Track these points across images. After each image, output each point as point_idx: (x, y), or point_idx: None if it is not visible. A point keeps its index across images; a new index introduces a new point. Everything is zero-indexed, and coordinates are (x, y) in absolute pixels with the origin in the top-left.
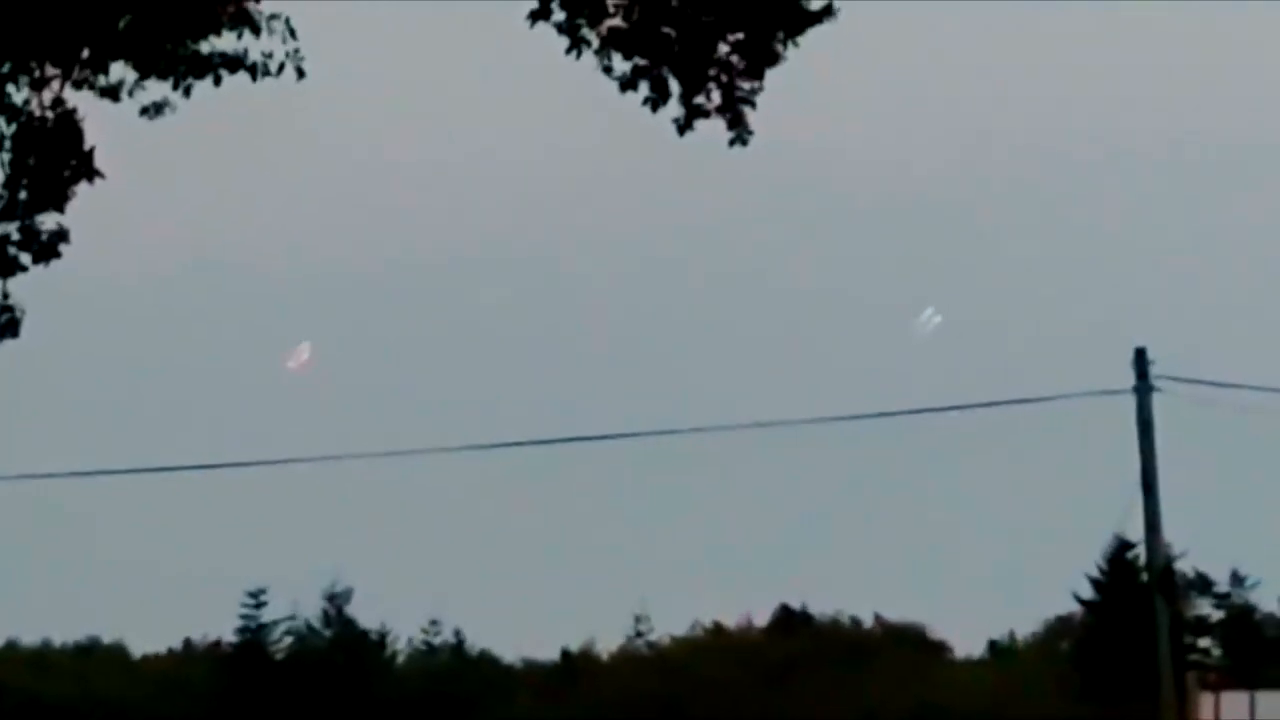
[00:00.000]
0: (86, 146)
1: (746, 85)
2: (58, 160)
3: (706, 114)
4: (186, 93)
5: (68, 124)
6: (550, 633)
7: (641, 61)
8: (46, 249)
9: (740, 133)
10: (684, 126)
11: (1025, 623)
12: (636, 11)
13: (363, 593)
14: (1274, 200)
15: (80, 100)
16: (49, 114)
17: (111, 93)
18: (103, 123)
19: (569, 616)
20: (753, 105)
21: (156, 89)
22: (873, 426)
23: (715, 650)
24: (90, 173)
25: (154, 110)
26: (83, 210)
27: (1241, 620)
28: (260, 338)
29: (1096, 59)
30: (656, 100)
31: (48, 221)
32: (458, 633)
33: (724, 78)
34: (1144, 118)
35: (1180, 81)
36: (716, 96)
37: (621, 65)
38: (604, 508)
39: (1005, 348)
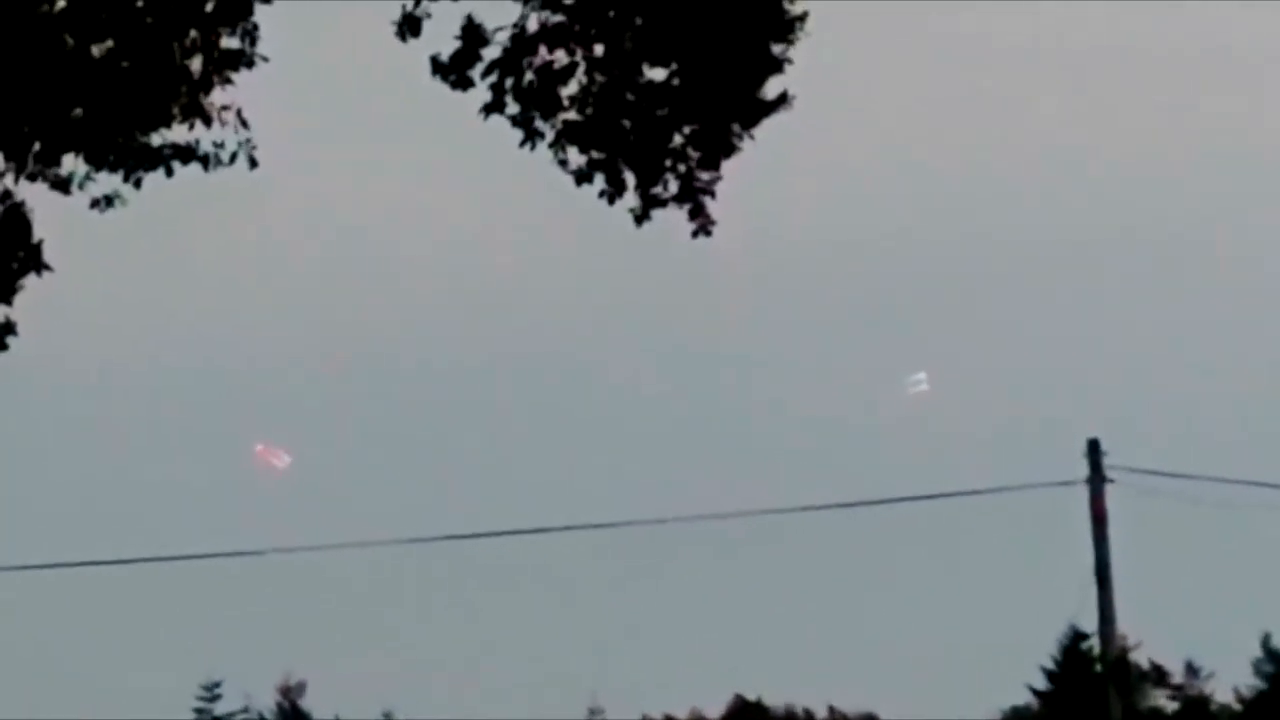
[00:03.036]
0: (35, 239)
1: (705, 176)
2: (6, 253)
3: (664, 203)
4: (137, 185)
5: (16, 216)
6: None
7: (597, 154)
8: None
9: (703, 224)
10: (641, 217)
11: (979, 713)
12: (591, 104)
13: (317, 686)
14: (1230, 291)
15: (30, 192)
16: None
17: (62, 185)
18: (53, 215)
19: (522, 708)
20: (712, 195)
21: (107, 181)
22: (826, 518)
23: None
24: (39, 265)
25: (105, 203)
26: (31, 303)
27: (1196, 712)
28: (213, 431)
29: (1054, 146)
30: (613, 193)
31: None
32: None
33: (681, 168)
34: (1098, 206)
35: (1136, 169)
36: (674, 186)
37: (577, 158)
38: (557, 598)
39: (958, 439)
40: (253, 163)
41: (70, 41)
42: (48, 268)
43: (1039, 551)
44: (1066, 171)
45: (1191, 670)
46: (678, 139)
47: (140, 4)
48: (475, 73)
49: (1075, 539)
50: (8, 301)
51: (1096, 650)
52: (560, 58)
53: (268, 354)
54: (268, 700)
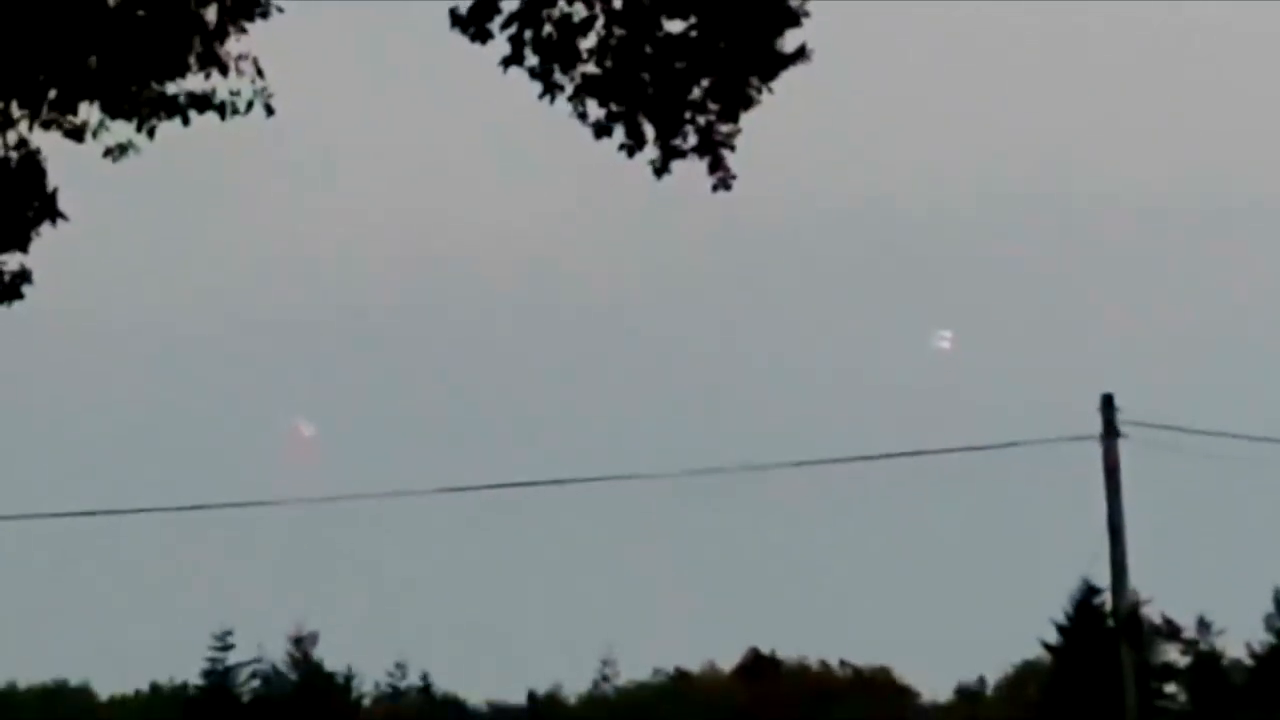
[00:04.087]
0: (50, 188)
1: (724, 129)
2: (21, 201)
3: (683, 154)
4: (151, 134)
5: (31, 165)
6: (516, 676)
7: (616, 107)
8: (9, 289)
9: (723, 177)
10: (660, 169)
11: (993, 667)
12: (610, 57)
13: (329, 635)
14: (1242, 249)
15: (44, 141)
16: (13, 155)
17: (76, 134)
18: (67, 164)
19: (535, 660)
20: (731, 148)
21: (121, 130)
22: (839, 471)
23: (682, 695)
24: (53, 214)
25: (118, 151)
26: (46, 250)
27: (1208, 667)
28: (226, 379)
29: (1073, 106)
30: (632, 146)
31: (10, 262)
32: (424, 676)
33: (700, 120)
34: (1117, 164)
35: (1154, 132)
36: (693, 139)
37: (596, 111)
38: (571, 551)
39: (973, 393)
40: (269, 111)
41: None
42: (62, 216)
43: (1052, 507)
44: (1084, 132)
45: (1203, 625)
46: (696, 92)
47: None
48: (494, 25)
49: (1089, 494)
50: (23, 249)
51: (1109, 605)
52: (579, 10)
53: (283, 304)
54: (280, 650)
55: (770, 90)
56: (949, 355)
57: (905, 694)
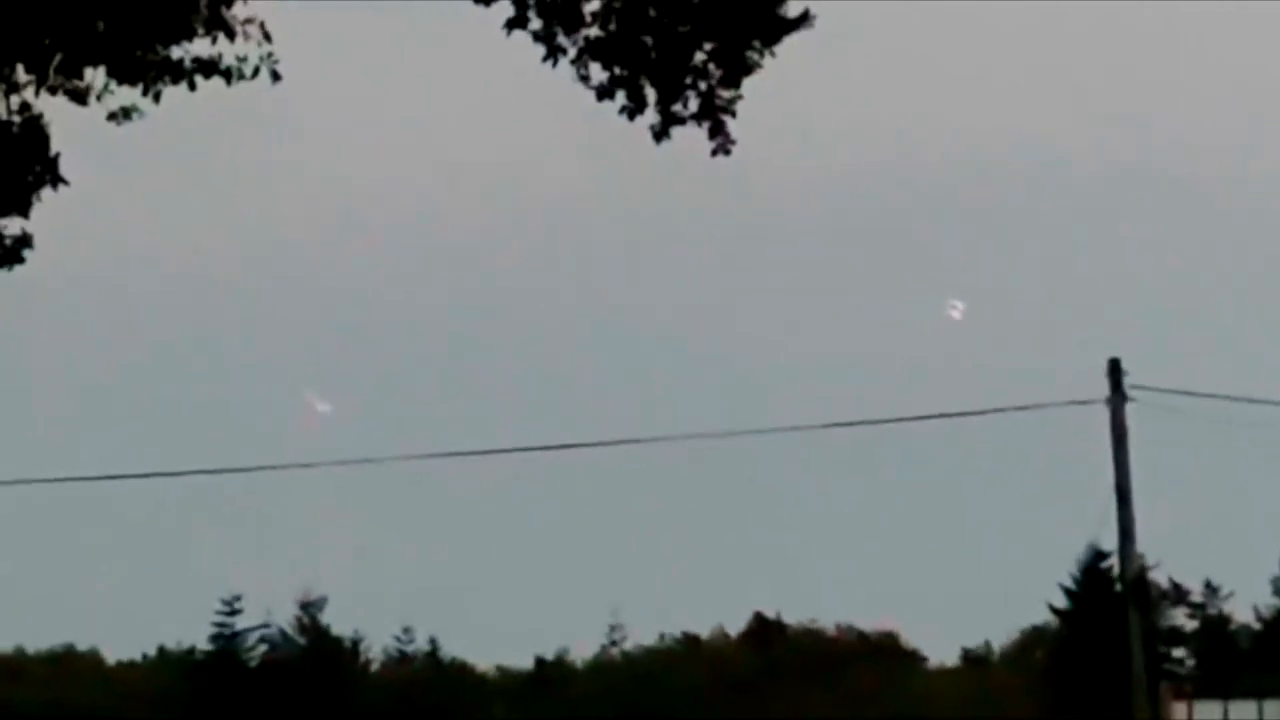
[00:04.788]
0: (52, 152)
1: (725, 94)
2: (23, 165)
3: (683, 121)
4: (156, 98)
5: (33, 129)
6: (524, 640)
7: (619, 71)
8: (10, 254)
9: (723, 142)
10: (661, 134)
11: (999, 632)
12: (613, 20)
13: (336, 600)
14: (1248, 215)
15: (47, 105)
16: (15, 119)
17: (81, 97)
18: (70, 127)
19: (543, 624)
20: (732, 114)
21: (125, 94)
22: (847, 436)
23: (689, 659)
24: (55, 178)
25: (123, 115)
26: (47, 215)
27: (1215, 630)
28: (229, 345)
29: (1073, 72)
30: (634, 109)
31: (11, 226)
32: (432, 640)
33: (702, 85)
34: (1124, 132)
35: (1154, 97)
36: (694, 104)
37: (599, 74)
38: (579, 516)
39: (980, 358)
40: (275, 76)
41: None
42: (64, 181)
43: (1060, 471)
44: (1089, 98)
45: (1211, 589)
46: (699, 56)
47: None
48: None
49: (1096, 459)
50: (24, 214)
51: (1116, 569)
52: None
53: (290, 269)
54: (288, 615)
55: (773, 55)
56: (957, 319)
57: (911, 658)
